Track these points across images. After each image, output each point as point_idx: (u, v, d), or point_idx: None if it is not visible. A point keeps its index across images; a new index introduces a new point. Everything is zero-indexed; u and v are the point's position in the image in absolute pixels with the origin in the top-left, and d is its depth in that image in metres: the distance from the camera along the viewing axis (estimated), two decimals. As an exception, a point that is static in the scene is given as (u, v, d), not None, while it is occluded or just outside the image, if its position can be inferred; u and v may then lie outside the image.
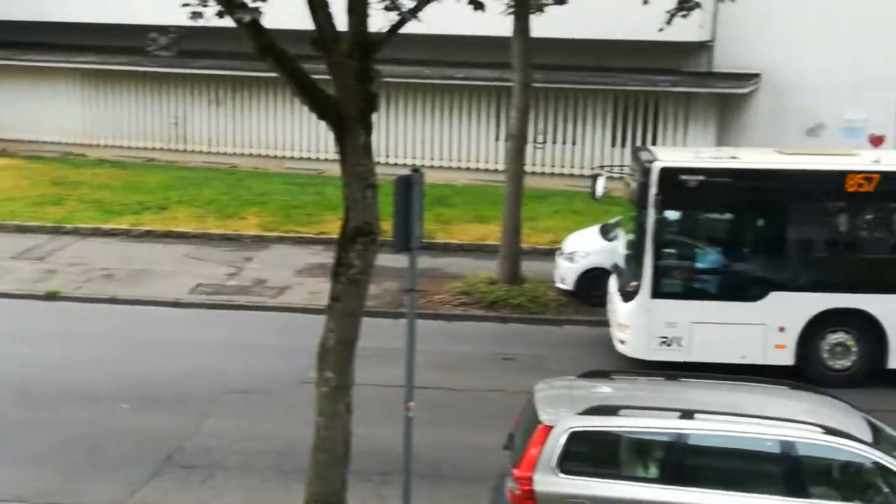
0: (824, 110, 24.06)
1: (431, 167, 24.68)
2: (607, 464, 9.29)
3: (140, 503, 10.89)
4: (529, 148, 19.32)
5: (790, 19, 23.47)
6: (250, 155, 27.36)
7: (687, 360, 13.82)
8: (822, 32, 23.31)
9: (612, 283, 15.51)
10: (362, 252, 8.67)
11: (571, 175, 24.92)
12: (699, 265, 14.45)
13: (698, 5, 16.98)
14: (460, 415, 13.12)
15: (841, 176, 13.85)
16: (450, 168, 25.84)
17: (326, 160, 25.61)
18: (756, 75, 24.40)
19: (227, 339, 15.80)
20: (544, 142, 25.22)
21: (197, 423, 12.73)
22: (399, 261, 10.67)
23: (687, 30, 20.11)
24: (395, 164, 24.69)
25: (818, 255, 14.47)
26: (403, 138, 26.32)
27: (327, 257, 14.88)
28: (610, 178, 16.77)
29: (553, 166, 25.34)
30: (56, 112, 28.20)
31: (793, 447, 8.90)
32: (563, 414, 9.23)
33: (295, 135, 26.98)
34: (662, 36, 17.47)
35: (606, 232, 17.58)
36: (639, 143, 24.32)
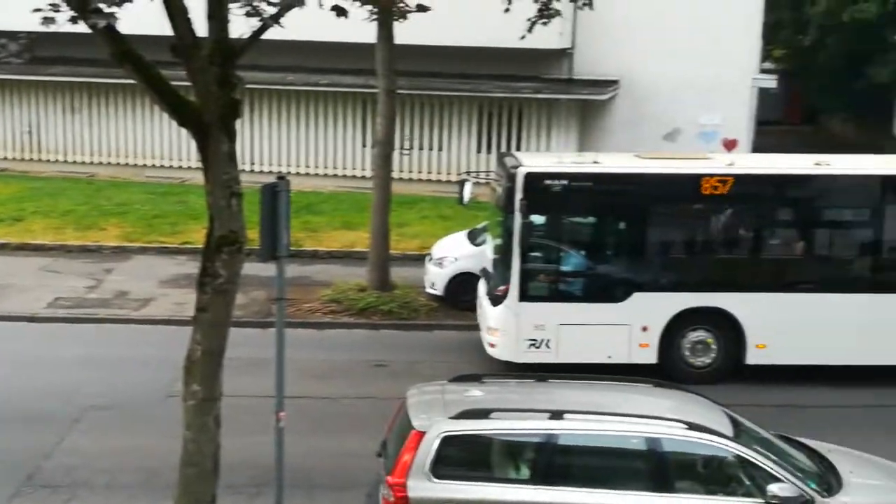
0: (680, 116, 24.87)
1: (298, 174, 24.48)
2: (480, 467, 9.35)
3: (-1, 527, 10.50)
4: (396, 154, 19.34)
5: (646, 27, 24.16)
6: (109, 164, 26.61)
7: (556, 361, 14.00)
8: (676, 40, 24.03)
9: (482, 288, 15.64)
10: (228, 261, 8.51)
11: (438, 181, 25.07)
12: (565, 268, 14.68)
13: (558, 13, 17.30)
14: (333, 423, 13.02)
15: (697, 179, 14.25)
16: (316, 175, 25.66)
17: (189, 168, 25.16)
18: (615, 82, 25.04)
19: (88, 354, 15.28)
20: (411, 148, 25.31)
21: (58, 441, 12.27)
22: (267, 269, 10.54)
23: (548, 37, 20.51)
24: (261, 172, 24.50)
25: (677, 255, 14.83)
26: (269, 145, 26.02)
27: (192, 267, 14.59)
28: (476, 184, 16.99)
29: (420, 172, 25.47)
30: None
31: (658, 443, 9.12)
32: (436, 419, 9.26)
33: (155, 142, 26.37)
34: (524, 43, 17.79)
35: (474, 237, 17.75)
36: (503, 148, 24.67)
